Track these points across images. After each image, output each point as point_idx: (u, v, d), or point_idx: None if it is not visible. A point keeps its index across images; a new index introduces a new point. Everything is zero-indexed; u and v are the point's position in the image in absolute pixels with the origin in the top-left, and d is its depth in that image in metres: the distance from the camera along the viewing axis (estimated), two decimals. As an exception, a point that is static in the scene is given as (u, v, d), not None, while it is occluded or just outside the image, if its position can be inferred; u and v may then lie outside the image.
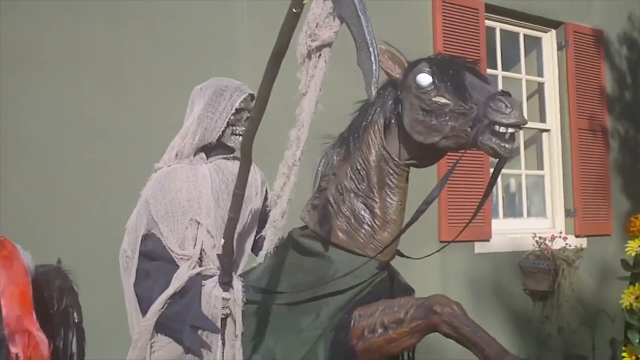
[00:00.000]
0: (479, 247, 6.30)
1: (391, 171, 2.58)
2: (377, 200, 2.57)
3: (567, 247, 6.42)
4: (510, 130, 2.36)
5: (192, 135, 2.80)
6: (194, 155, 2.83)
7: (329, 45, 2.06)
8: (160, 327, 2.60)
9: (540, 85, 7.13)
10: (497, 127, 2.36)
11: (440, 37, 6.15)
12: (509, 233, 6.54)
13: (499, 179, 6.62)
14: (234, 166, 2.84)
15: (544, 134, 7.04)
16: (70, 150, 4.39)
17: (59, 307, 2.85)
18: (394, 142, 2.59)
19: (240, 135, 2.82)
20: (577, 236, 6.80)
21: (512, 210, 7.03)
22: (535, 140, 7.14)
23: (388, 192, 2.58)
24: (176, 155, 2.84)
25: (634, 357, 3.18)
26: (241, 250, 2.81)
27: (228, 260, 2.55)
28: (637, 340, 3.20)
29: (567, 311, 6.54)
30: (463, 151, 2.47)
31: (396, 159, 2.58)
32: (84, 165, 4.42)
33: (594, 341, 6.77)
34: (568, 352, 6.71)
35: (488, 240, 6.33)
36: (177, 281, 2.59)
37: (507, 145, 2.38)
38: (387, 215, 2.57)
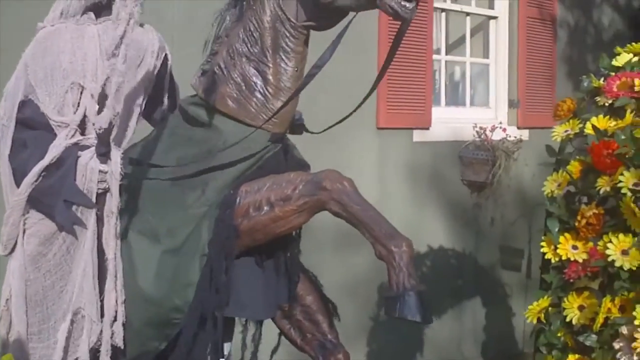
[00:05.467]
0: (418, 135, 6.13)
1: (287, 33, 2.34)
2: (271, 65, 2.34)
3: (507, 138, 6.27)
4: None
5: None
6: (81, 15, 2.54)
7: None
8: (33, 201, 2.38)
9: (491, -30, 6.82)
10: None
11: None
12: (450, 122, 6.37)
13: (442, 66, 6.50)
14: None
15: (492, 22, 6.78)
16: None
17: None
18: (291, 1, 2.34)
19: None
20: (519, 127, 6.64)
21: (455, 99, 6.83)
22: (482, 28, 6.88)
23: (283, 57, 2.35)
24: (61, 14, 2.55)
25: (552, 247, 3.04)
26: (127, 116, 2.56)
27: (106, 129, 2.30)
28: (557, 229, 3.05)
29: (503, 203, 6.46)
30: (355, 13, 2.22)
31: (293, 19, 2.34)
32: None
33: (530, 234, 6.72)
34: (504, 244, 6.68)
35: (427, 129, 6.15)
36: (53, 151, 2.36)
37: (407, 5, 2.15)
38: (281, 83, 2.35)
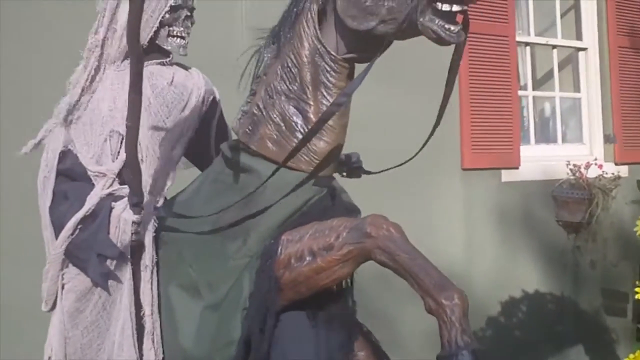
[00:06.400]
0: (507, 175, 5.86)
1: (327, 67, 2.16)
2: (311, 102, 2.17)
3: (604, 175, 5.89)
4: (455, 8, 1.92)
5: (119, 38, 2.42)
6: (122, 61, 2.45)
7: None
8: (69, 256, 2.28)
9: (576, 0, 6.51)
10: (439, 5, 1.92)
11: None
12: (541, 160, 6.07)
13: (530, 102, 6.20)
14: (170, 72, 2.49)
15: (580, 53, 6.48)
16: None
17: None
18: (331, 32, 2.18)
19: (179, 37, 2.48)
20: (616, 164, 6.27)
21: (545, 136, 6.51)
22: (570, 60, 6.57)
23: (324, 93, 2.17)
24: None
25: (647, 292, 2.73)
26: (167, 163, 2.45)
27: (134, 177, 2.18)
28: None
29: (604, 244, 6.06)
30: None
31: (333, 52, 2.16)
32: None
33: (635, 276, 6.27)
34: (606, 287, 6.25)
35: (517, 168, 5.87)
36: (89, 203, 2.26)
37: (452, 28, 1.95)
38: None
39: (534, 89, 6.30)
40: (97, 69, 2.40)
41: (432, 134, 2.29)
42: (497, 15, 5.69)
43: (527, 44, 6.16)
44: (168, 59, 2.51)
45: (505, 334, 5.73)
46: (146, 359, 2.25)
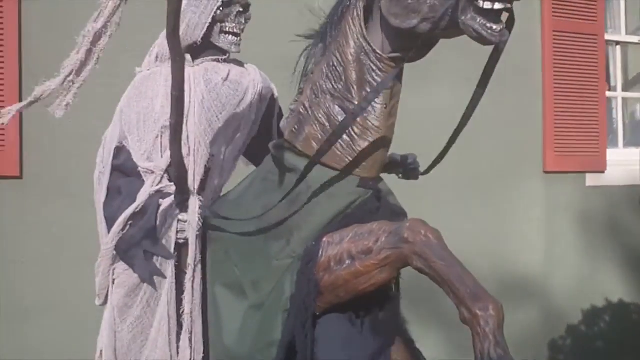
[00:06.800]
0: (592, 179, 5.66)
1: (373, 67, 2.10)
2: (356, 102, 2.11)
3: (697, 181, 5.63)
4: (497, 6, 1.84)
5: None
6: None
7: None
8: (119, 251, 2.30)
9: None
10: (480, 3, 1.85)
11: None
12: (629, 164, 5.83)
13: (619, 103, 5.95)
14: (226, 69, 2.48)
15: (674, 50, 6.18)
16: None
17: None
18: (377, 30, 2.12)
19: (231, 34, 2.45)
20: None
21: (636, 139, 6.24)
22: (664, 60, 6.29)
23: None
24: (156, 58, 2.49)
25: None
26: (222, 161, 2.45)
27: (179, 175, 2.18)
28: None
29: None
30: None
31: (379, 51, 2.10)
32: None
33: None
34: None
35: (602, 172, 5.65)
36: (138, 200, 2.27)
37: (494, 27, 1.87)
38: (368, 121, 2.11)
39: (624, 90, 6.06)
40: (88, 57, 2.32)
41: (456, 135, 2.21)
42: (585, 14, 5.51)
43: (617, 43, 5.92)
44: (224, 57, 2.50)
45: (586, 344, 5.54)
46: (182, 357, 2.24)
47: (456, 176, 4.76)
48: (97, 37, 2.28)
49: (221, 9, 2.41)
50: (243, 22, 2.47)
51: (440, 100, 4.80)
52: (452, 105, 4.96)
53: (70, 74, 2.28)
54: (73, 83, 2.29)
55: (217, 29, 2.44)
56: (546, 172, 5.49)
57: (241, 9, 2.46)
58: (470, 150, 4.53)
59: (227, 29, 2.44)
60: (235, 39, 2.46)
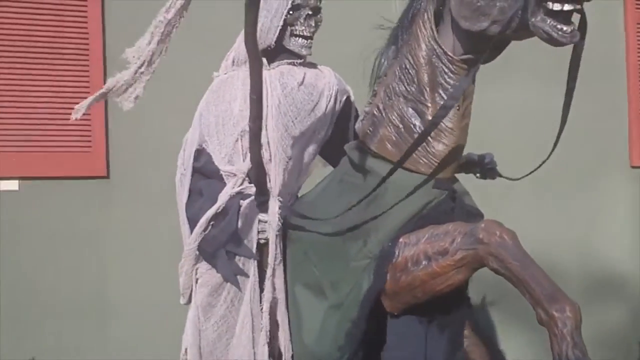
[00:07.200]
0: (679, 173, 5.47)
1: (445, 69, 2.13)
2: (429, 104, 2.14)
3: None
4: (567, 7, 1.83)
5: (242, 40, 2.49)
6: None
7: None
8: (202, 251, 2.38)
9: None
10: (550, 4, 1.85)
11: None
12: None
13: None
14: (301, 72, 2.52)
15: None
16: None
17: None
18: (448, 33, 2.14)
19: (301, 37, 2.50)
20: None
21: None
22: None
23: (442, 95, 2.13)
24: (233, 62, 2.56)
25: None
26: (298, 162, 2.50)
27: (259, 176, 2.24)
28: None
29: None
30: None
31: (450, 53, 2.12)
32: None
33: None
34: None
35: (700, 163, 5.48)
36: (219, 201, 2.35)
37: (565, 28, 1.86)
38: (442, 123, 2.12)
39: None
40: (160, 48, 2.36)
41: (559, 136, 2.20)
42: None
43: None
44: (299, 60, 2.54)
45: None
46: (260, 355, 2.31)
47: (542, 173, 4.69)
48: (169, 28, 2.30)
49: (291, 12, 2.46)
50: (313, 24, 2.51)
51: (512, 98, 4.76)
52: (525, 102, 4.96)
53: (142, 65, 2.32)
54: (142, 74, 2.33)
55: (288, 32, 2.49)
56: (633, 167, 5.36)
57: (310, 12, 2.50)
58: (545, 145, 4.46)
59: (297, 32, 2.48)
60: (305, 41, 2.50)
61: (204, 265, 2.39)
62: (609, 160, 5.31)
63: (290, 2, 2.45)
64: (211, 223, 2.34)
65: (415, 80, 2.16)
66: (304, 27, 2.48)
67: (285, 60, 2.53)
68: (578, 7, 1.88)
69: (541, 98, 4.75)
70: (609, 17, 5.21)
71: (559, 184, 5.03)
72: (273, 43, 2.47)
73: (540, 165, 2.43)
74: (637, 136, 5.34)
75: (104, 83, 2.39)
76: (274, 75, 2.49)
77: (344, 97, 2.65)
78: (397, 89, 2.19)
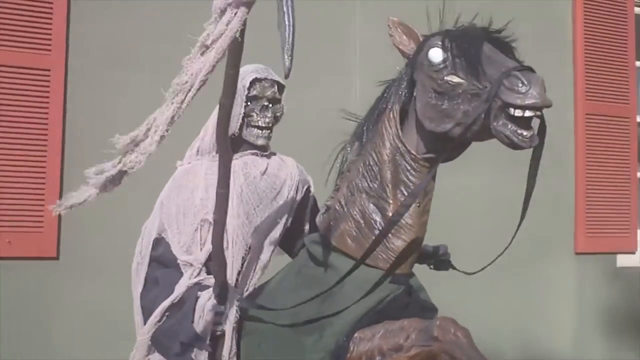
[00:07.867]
0: (622, 260, 5.63)
1: (408, 167, 2.17)
2: (391, 201, 2.17)
3: None
4: (527, 113, 1.89)
5: (212, 128, 2.51)
6: (216, 152, 2.53)
7: (247, 5, 1.70)
8: (155, 342, 2.34)
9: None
10: (512, 110, 1.90)
11: (580, 26, 5.55)
12: (662, 245, 5.79)
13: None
14: (264, 162, 2.54)
15: None
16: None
17: None
18: (412, 132, 2.19)
19: (256, 127, 2.53)
20: None
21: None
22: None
23: (404, 192, 2.17)
24: (197, 151, 2.58)
25: None
26: (258, 251, 2.50)
27: (219, 268, 2.24)
28: None
29: None
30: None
31: (413, 152, 2.16)
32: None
33: None
34: None
35: (633, 253, 5.63)
36: (176, 292, 2.32)
37: (525, 133, 1.93)
38: (402, 219, 2.16)
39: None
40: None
41: (516, 232, 2.25)
42: (617, 96, 5.57)
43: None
44: (263, 152, 2.57)
45: None
46: None
47: (488, 256, 4.75)
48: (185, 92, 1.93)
49: (248, 103, 2.50)
50: (269, 115, 2.53)
51: (469, 185, 4.85)
52: (484, 187, 5.06)
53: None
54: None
55: (245, 122, 2.52)
56: (577, 254, 5.49)
57: (267, 103, 2.53)
58: (502, 231, 4.53)
59: (253, 122, 2.52)
60: (261, 132, 2.53)
61: (156, 357, 2.35)
62: (555, 247, 5.43)
63: (245, 94, 2.48)
64: (166, 314, 2.31)
65: (379, 177, 2.19)
66: (259, 118, 2.51)
67: (249, 151, 2.55)
68: (539, 113, 1.95)
69: (496, 185, 4.86)
70: (559, 107, 5.39)
71: (507, 268, 5.10)
72: (237, 132, 2.50)
73: (494, 260, 2.46)
74: (581, 224, 5.49)
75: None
76: (238, 165, 2.50)
77: (305, 187, 2.67)
78: (360, 185, 2.23)
